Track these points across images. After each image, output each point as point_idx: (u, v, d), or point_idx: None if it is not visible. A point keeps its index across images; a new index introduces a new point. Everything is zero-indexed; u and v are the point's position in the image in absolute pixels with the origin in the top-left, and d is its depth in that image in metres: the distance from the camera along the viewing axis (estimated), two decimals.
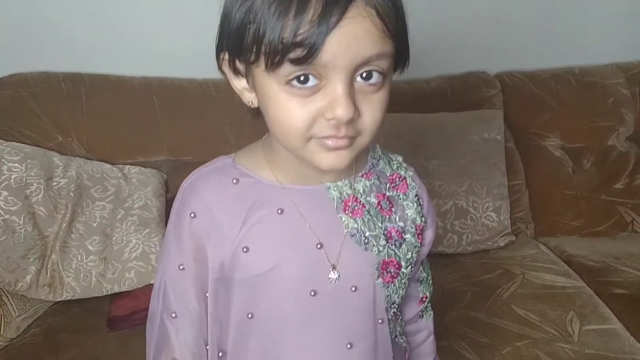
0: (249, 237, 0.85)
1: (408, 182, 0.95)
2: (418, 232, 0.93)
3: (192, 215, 0.86)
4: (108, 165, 1.92)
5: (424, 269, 1.03)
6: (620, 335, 1.64)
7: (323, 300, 0.86)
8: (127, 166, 1.95)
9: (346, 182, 0.88)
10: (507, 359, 1.56)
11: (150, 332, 0.95)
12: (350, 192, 0.88)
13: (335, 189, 0.88)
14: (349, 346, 0.88)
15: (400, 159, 0.97)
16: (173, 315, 0.91)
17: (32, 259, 1.63)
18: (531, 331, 1.65)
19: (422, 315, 1.07)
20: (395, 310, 0.94)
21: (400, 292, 0.92)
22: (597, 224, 2.20)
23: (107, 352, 1.58)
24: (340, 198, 0.88)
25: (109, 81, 2.09)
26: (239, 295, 0.87)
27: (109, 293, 1.69)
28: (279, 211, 0.85)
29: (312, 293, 0.86)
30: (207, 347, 0.92)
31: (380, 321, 0.90)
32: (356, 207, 0.88)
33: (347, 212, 0.88)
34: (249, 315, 0.87)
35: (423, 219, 0.94)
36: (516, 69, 2.36)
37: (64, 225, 1.71)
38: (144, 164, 2.01)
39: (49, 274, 1.64)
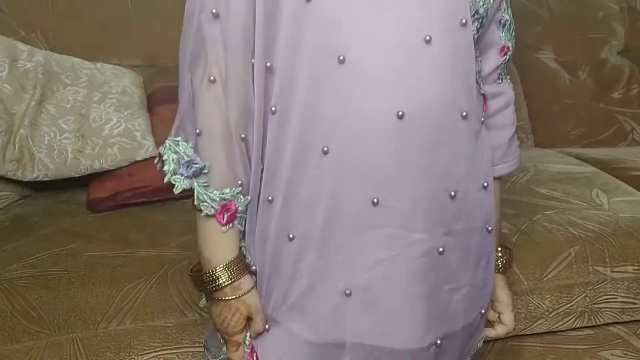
0: None
1: None
2: None
3: None
4: (78, 59, 1.71)
5: (506, 10, 0.88)
6: None
7: None
8: (100, 63, 1.75)
9: None
10: (541, 223, 1.42)
11: (186, 39, 0.77)
12: None
13: None
14: (427, 38, 0.72)
15: None
16: (213, 11, 0.74)
17: None
18: (558, 203, 1.52)
19: (502, 78, 0.91)
20: (478, 26, 0.78)
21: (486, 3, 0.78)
22: (598, 133, 2.13)
23: (89, 229, 1.36)
24: None
25: None
26: None
27: (88, 171, 1.47)
28: None
29: None
30: (253, 61, 0.75)
31: (463, 21, 0.74)
32: None
33: None
34: None
35: None
36: None
37: (33, 103, 1.49)
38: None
39: (17, 148, 1.42)
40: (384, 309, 0.78)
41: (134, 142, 1.48)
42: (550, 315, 1.33)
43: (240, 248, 0.81)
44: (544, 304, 1.32)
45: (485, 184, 0.83)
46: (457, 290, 0.83)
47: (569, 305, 1.33)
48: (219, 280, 0.78)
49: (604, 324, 1.38)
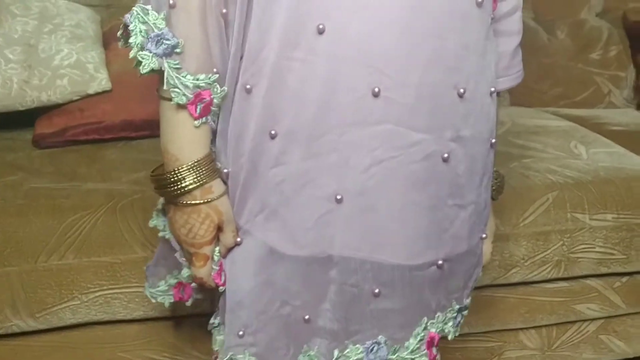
0: None
1: None
2: None
3: None
4: None
5: None
6: (629, 155, 1.48)
7: None
8: None
9: None
10: (517, 170, 1.35)
11: None
12: None
13: None
14: None
15: None
16: None
17: None
18: (535, 153, 1.46)
19: None
20: None
21: None
22: (575, 94, 2.06)
23: (33, 163, 1.26)
24: None
25: None
26: None
27: (35, 104, 1.36)
28: None
29: None
30: None
31: None
32: None
33: None
34: None
35: None
36: None
37: None
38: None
39: None
40: (380, 217, 0.70)
41: (86, 74, 1.37)
42: (526, 264, 1.26)
43: (210, 149, 0.72)
44: (519, 251, 1.25)
45: (492, 90, 0.76)
46: (463, 208, 0.75)
47: (545, 253, 1.26)
48: (184, 181, 0.69)
49: (579, 276, 1.32)
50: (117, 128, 1.37)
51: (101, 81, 1.38)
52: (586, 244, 1.28)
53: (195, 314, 1.10)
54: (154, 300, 0.86)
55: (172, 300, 0.85)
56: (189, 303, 0.83)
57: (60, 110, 1.37)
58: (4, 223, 1.03)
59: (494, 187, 0.87)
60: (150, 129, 1.35)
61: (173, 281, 0.83)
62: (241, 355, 0.76)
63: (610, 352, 1.41)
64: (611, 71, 2.11)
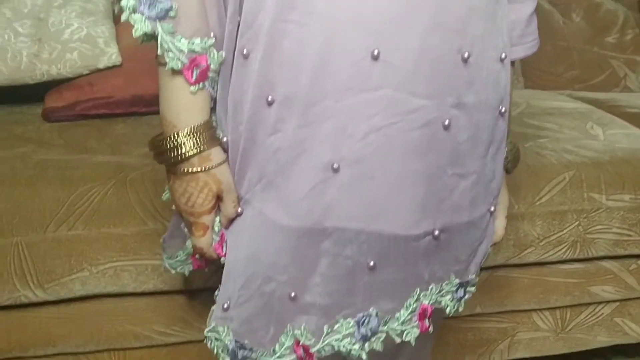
0: None
1: None
2: None
3: None
4: None
5: None
6: None
7: None
8: None
9: None
10: (533, 149, 1.32)
11: None
12: None
13: None
14: None
15: None
16: None
17: None
18: (550, 133, 1.43)
19: None
20: None
21: None
22: (591, 77, 2.03)
23: (43, 136, 1.25)
24: None
25: None
26: None
27: (45, 78, 1.34)
28: None
29: None
30: None
31: None
32: None
33: None
34: None
35: None
36: None
37: None
38: None
39: None
40: (377, 186, 0.68)
41: (96, 48, 1.36)
42: (541, 244, 1.24)
43: (210, 116, 0.70)
44: (534, 230, 1.23)
45: (503, 56, 0.73)
46: (463, 178, 0.72)
47: (561, 233, 1.24)
48: (183, 147, 0.67)
49: (595, 258, 1.30)
50: (127, 103, 1.36)
51: (111, 55, 1.37)
52: (603, 224, 1.26)
53: (206, 287, 1.09)
54: (173, 271, 0.84)
55: (191, 269, 0.83)
56: (208, 269, 0.82)
57: (70, 85, 1.36)
58: (14, 193, 1.02)
59: (508, 159, 0.84)
60: None
61: (191, 249, 0.82)
62: (221, 328, 0.74)
63: (624, 335, 1.39)
64: (627, 55, 2.08)
